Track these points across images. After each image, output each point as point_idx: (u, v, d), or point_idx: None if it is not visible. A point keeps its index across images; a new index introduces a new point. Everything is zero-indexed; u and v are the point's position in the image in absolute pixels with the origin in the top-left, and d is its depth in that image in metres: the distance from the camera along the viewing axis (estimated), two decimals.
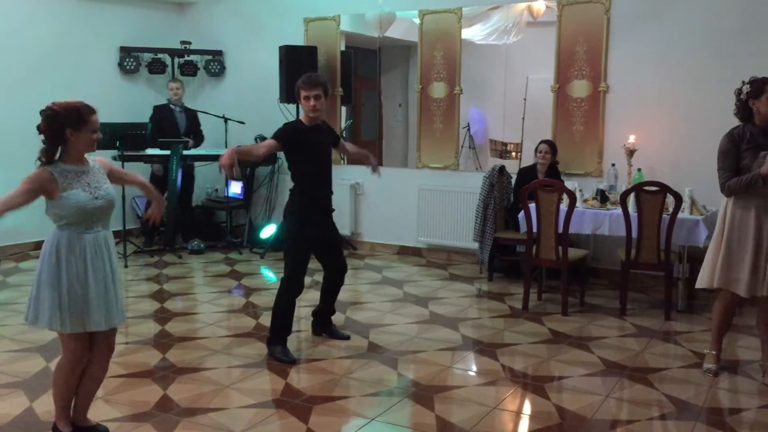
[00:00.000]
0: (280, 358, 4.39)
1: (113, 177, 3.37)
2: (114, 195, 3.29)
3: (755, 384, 4.12)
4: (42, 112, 3.12)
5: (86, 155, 3.23)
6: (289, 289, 4.47)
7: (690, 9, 6.12)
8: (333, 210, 4.71)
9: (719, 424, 3.60)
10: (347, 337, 4.82)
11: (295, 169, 4.54)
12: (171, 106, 7.88)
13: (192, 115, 7.98)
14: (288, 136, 4.43)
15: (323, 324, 4.88)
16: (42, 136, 3.12)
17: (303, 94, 4.37)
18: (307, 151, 4.47)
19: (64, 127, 3.07)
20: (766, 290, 3.95)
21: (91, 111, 3.16)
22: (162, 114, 7.82)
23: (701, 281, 4.17)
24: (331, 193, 4.68)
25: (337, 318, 5.28)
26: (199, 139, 8.02)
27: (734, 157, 3.99)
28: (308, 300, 5.48)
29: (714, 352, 4.30)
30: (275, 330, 4.50)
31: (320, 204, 4.58)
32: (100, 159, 3.34)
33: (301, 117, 4.57)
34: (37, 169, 3.11)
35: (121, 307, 3.27)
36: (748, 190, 3.93)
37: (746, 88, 3.96)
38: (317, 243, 4.57)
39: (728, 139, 4.03)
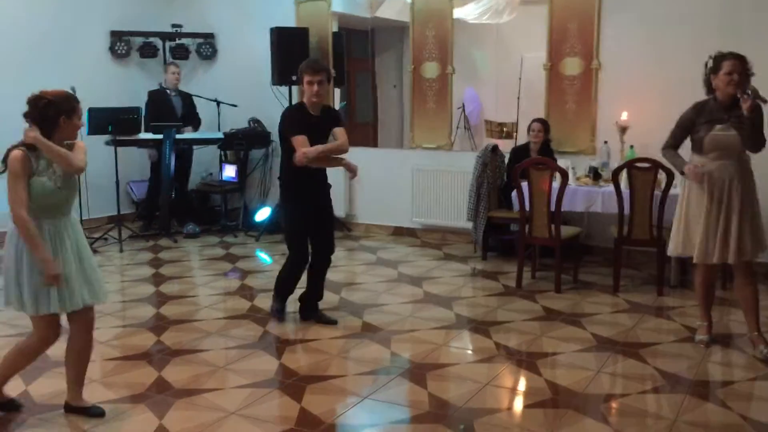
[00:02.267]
0: (272, 312, 4.85)
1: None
2: (77, 182, 3.35)
3: (745, 356, 4.16)
4: (33, 101, 3.24)
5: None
6: (295, 262, 4.70)
7: None
8: (330, 186, 4.78)
9: (709, 397, 3.64)
10: (335, 322, 4.76)
11: (291, 152, 4.50)
12: (166, 90, 7.85)
13: (187, 99, 7.96)
14: (299, 124, 4.45)
15: (310, 309, 4.84)
16: (28, 124, 3.22)
17: (306, 78, 4.41)
18: (308, 138, 4.46)
19: (59, 115, 3.21)
20: (733, 257, 4.05)
21: (77, 99, 3.33)
22: (158, 98, 7.79)
23: (670, 249, 4.37)
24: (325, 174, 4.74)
25: (331, 299, 5.31)
26: (195, 123, 8.00)
27: (686, 130, 4.22)
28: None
29: (705, 323, 4.38)
30: (277, 289, 4.85)
31: (315, 183, 4.63)
32: (80, 143, 3.39)
33: (304, 100, 4.55)
34: (13, 151, 3.18)
35: (93, 288, 3.36)
36: (672, 166, 4.33)
37: (709, 63, 4.09)
38: (312, 219, 4.62)
39: (689, 110, 4.21)
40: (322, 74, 4.43)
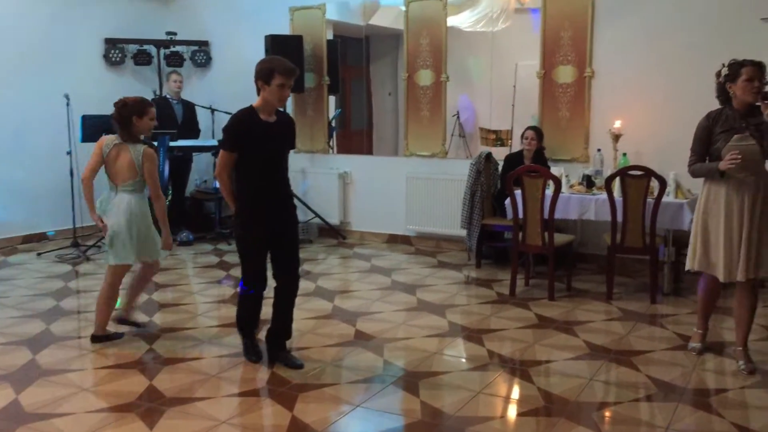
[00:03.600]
0: (245, 356, 4.20)
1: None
2: None
3: (737, 365, 4.14)
4: (115, 104, 4.40)
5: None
6: (246, 292, 4.13)
7: None
8: (294, 207, 4.19)
9: (702, 405, 3.63)
10: (300, 366, 4.11)
11: (243, 165, 3.96)
12: (169, 98, 7.88)
13: (189, 108, 7.97)
14: (239, 138, 3.90)
15: (276, 348, 4.22)
16: (115, 122, 4.40)
17: (280, 80, 3.86)
18: (260, 148, 3.92)
19: (132, 114, 4.35)
20: (741, 275, 3.94)
21: (150, 104, 4.48)
22: (161, 106, 7.79)
23: (687, 263, 4.21)
24: (289, 190, 4.20)
25: (325, 306, 5.31)
26: (194, 133, 7.99)
27: (705, 141, 4.04)
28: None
29: (700, 332, 4.35)
30: (240, 327, 4.26)
31: (273, 203, 4.02)
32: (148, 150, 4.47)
33: (258, 105, 3.95)
34: (144, 148, 4.43)
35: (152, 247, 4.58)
36: (707, 177, 4.04)
37: (724, 71, 3.96)
38: (270, 243, 4.04)
39: (703, 122, 4.06)
40: (294, 78, 3.96)
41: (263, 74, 3.91)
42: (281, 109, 4.12)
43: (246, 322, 4.26)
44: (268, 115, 3.98)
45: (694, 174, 4.12)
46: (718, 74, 4.01)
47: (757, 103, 3.89)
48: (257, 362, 4.16)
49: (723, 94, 4.01)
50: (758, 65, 3.88)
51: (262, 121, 3.94)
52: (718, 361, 4.24)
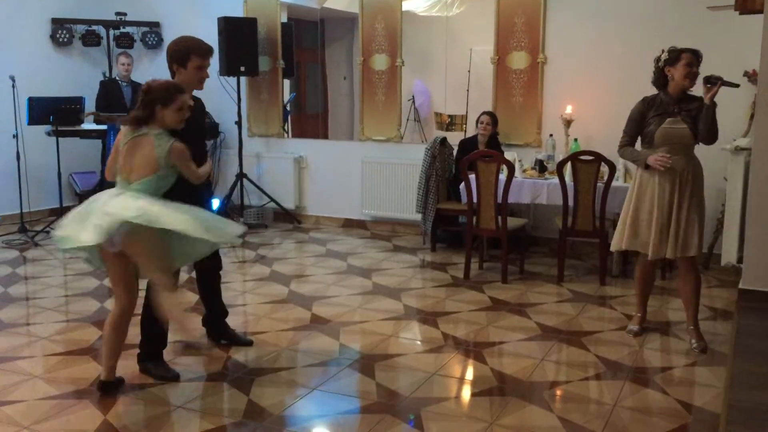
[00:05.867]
0: (162, 375, 3.74)
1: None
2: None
3: (683, 344, 4.30)
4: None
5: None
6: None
7: None
8: (212, 195, 4.07)
9: (648, 382, 3.76)
10: (250, 343, 4.23)
11: None
12: (118, 80, 7.71)
13: (138, 90, 7.80)
14: None
15: (219, 329, 4.26)
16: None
17: (198, 62, 3.71)
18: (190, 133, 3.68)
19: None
20: (679, 251, 4.10)
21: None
22: (109, 89, 7.64)
23: (613, 244, 4.36)
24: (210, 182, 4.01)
25: (280, 291, 5.30)
26: None
27: (638, 124, 4.19)
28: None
29: (639, 315, 4.49)
30: (148, 343, 3.82)
31: (203, 189, 3.93)
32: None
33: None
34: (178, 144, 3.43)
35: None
36: (634, 163, 4.25)
37: (664, 56, 4.11)
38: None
39: (638, 105, 4.21)
40: (210, 57, 3.81)
41: (178, 57, 3.72)
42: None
43: (159, 343, 3.82)
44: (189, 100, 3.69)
45: (623, 156, 4.32)
46: (657, 59, 4.15)
47: (690, 91, 4.08)
48: (179, 378, 3.76)
49: (661, 78, 4.15)
50: (695, 53, 4.06)
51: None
52: (664, 341, 4.39)
